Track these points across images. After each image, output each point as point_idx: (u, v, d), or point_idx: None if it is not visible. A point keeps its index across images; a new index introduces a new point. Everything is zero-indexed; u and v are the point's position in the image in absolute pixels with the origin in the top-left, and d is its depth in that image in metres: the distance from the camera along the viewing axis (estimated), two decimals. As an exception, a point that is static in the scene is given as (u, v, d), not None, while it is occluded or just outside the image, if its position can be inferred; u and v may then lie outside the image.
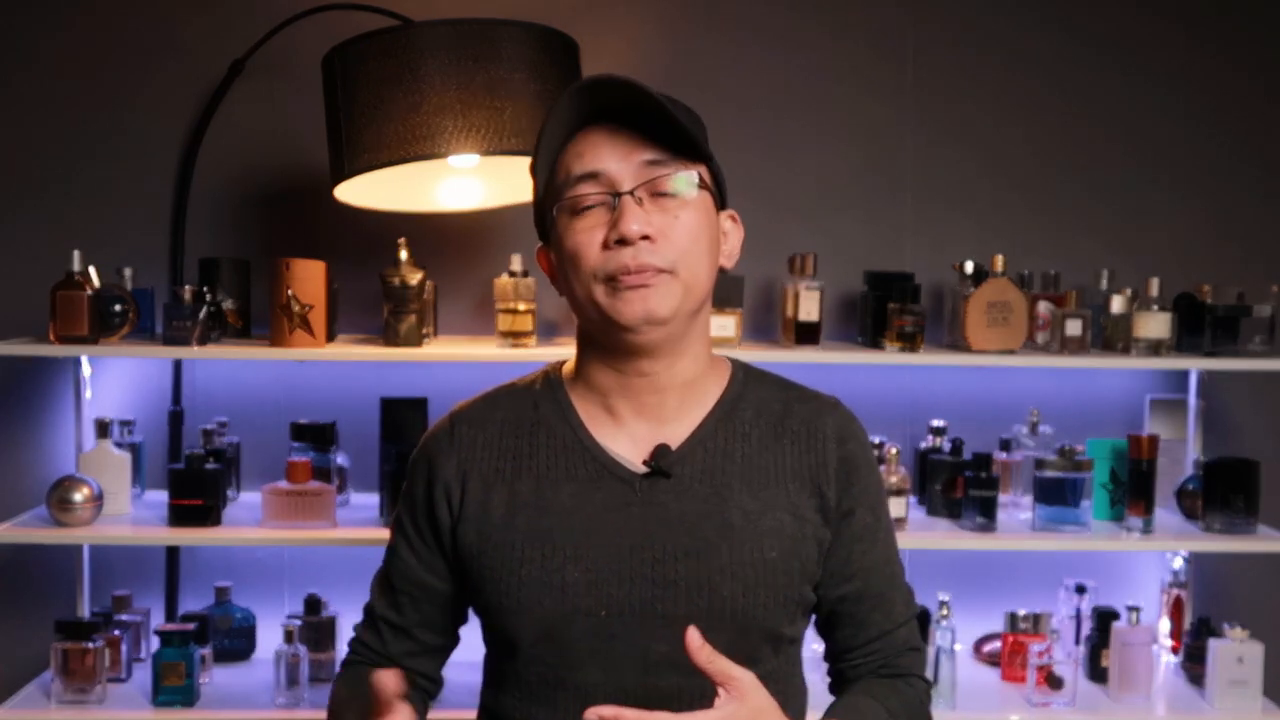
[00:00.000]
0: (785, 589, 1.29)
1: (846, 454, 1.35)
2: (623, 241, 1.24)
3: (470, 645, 1.43)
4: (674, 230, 1.26)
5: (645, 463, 1.31)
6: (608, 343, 1.31)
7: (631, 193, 1.25)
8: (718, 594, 1.27)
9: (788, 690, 1.34)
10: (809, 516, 1.32)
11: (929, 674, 2.27)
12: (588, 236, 1.26)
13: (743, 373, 1.39)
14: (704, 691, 1.19)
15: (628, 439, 1.33)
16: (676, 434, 1.32)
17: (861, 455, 1.36)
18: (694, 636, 1.14)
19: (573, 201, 1.27)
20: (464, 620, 1.42)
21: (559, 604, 1.27)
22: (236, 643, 2.48)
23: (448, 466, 1.34)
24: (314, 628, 2.39)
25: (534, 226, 1.37)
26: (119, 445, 2.38)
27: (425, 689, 1.41)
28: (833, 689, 1.43)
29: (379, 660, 1.38)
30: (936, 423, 2.53)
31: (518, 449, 1.34)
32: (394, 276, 2.28)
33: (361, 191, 2.20)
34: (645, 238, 1.24)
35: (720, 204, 1.34)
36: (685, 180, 1.27)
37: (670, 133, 1.26)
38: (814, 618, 1.40)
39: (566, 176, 1.27)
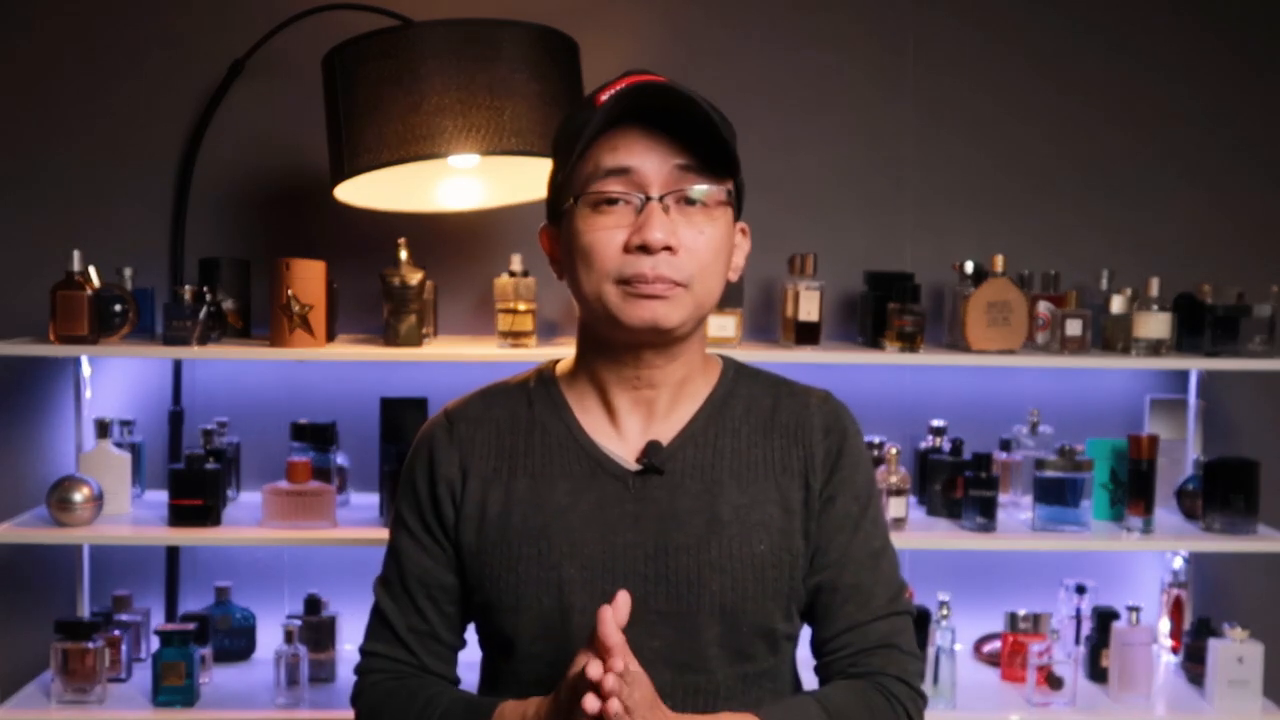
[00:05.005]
0: (775, 583, 1.29)
1: (831, 444, 1.35)
2: (644, 249, 1.23)
3: (469, 644, 1.43)
4: (696, 244, 1.25)
5: (638, 459, 1.31)
6: (608, 337, 1.31)
7: (660, 199, 1.24)
8: (707, 589, 1.27)
9: (784, 690, 1.34)
10: (798, 510, 1.32)
11: (931, 676, 2.28)
12: (607, 235, 1.25)
13: (734, 370, 1.39)
14: (698, 688, 1.19)
15: (620, 436, 1.33)
16: (667, 431, 1.33)
17: (848, 444, 1.36)
18: (606, 613, 1.14)
19: (597, 195, 1.25)
20: (470, 619, 1.41)
21: (556, 601, 1.27)
22: (236, 643, 2.47)
23: (449, 464, 1.34)
24: (314, 628, 2.38)
25: (541, 213, 1.36)
26: (119, 445, 2.38)
27: None
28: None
29: (409, 672, 1.36)
30: (936, 423, 2.53)
31: (514, 447, 1.34)
32: (394, 276, 2.28)
33: (361, 191, 2.20)
34: (667, 248, 1.23)
35: (737, 215, 1.33)
36: (714, 193, 1.27)
37: (706, 141, 1.25)
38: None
39: (596, 168, 1.25)
